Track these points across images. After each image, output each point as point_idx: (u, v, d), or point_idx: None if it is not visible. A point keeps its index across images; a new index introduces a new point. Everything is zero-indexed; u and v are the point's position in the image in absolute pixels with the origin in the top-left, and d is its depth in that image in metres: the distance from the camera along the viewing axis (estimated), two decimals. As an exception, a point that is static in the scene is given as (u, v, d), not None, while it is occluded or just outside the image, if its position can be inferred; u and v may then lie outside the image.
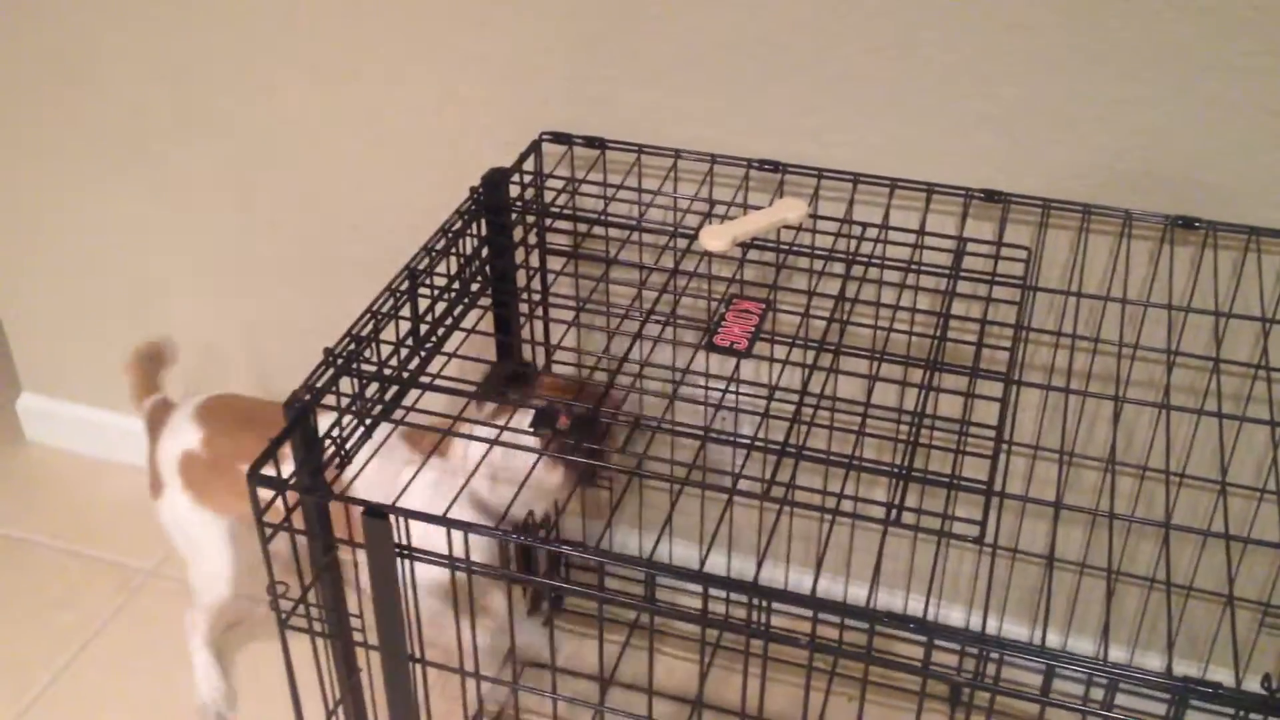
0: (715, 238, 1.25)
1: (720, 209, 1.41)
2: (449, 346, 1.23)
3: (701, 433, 1.07)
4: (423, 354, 1.21)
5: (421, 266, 1.23)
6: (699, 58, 1.39)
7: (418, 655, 1.14)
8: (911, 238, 1.33)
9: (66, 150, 1.76)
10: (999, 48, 1.28)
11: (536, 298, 1.47)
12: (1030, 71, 1.28)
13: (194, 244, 1.78)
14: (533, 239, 1.43)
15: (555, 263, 1.49)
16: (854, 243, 1.31)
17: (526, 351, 1.52)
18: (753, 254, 1.32)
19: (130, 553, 1.84)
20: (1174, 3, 1.20)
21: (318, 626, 1.14)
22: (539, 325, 1.53)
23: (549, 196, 1.44)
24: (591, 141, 1.43)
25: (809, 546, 1.67)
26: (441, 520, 1.00)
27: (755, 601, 0.93)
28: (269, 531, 1.04)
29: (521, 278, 1.44)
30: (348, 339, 1.14)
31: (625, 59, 1.42)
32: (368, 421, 1.11)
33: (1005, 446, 1.03)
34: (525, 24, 1.44)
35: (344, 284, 1.73)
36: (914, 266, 1.28)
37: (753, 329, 1.16)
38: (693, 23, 1.37)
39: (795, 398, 1.07)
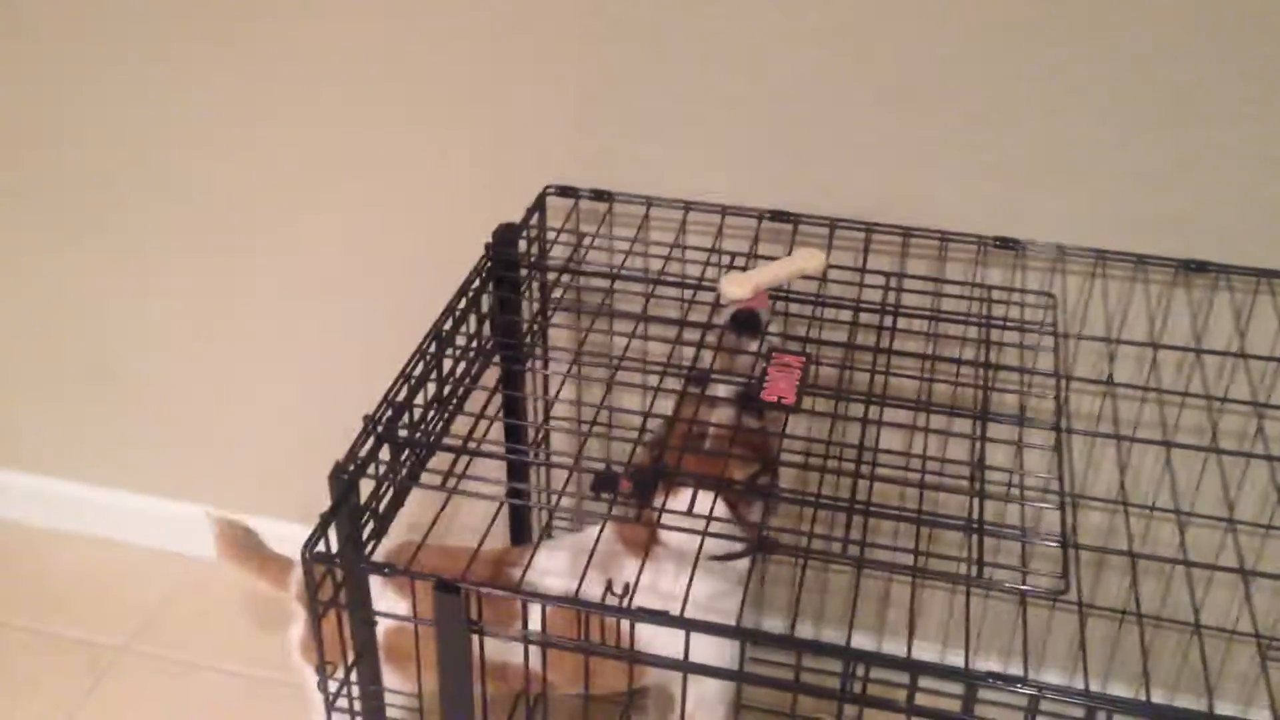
0: (738, 285, 1.24)
1: (730, 259, 1.40)
2: (466, 405, 1.19)
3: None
4: (446, 415, 1.17)
5: (446, 328, 1.20)
6: (708, 111, 1.38)
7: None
8: (931, 286, 1.33)
9: (24, 218, 1.70)
10: (1004, 97, 1.30)
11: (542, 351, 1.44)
12: (1036, 120, 1.30)
13: (156, 313, 1.72)
14: (540, 293, 1.40)
15: (563, 317, 1.46)
16: (880, 293, 1.30)
17: (531, 406, 1.49)
18: (780, 306, 1.31)
19: (97, 629, 1.75)
20: (1173, 51, 1.24)
21: (358, 706, 1.09)
22: (548, 380, 1.50)
23: (558, 251, 1.42)
24: (599, 195, 1.41)
25: (845, 602, 1.65)
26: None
27: (850, 668, 0.91)
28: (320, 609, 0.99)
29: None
30: (385, 405, 1.09)
31: (634, 112, 1.41)
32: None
33: (1071, 499, 1.03)
34: (533, 77, 1.42)
35: (346, 342, 1.68)
36: (944, 315, 1.27)
37: (798, 383, 1.14)
38: (701, 76, 1.37)
39: (852, 452, 1.05)
